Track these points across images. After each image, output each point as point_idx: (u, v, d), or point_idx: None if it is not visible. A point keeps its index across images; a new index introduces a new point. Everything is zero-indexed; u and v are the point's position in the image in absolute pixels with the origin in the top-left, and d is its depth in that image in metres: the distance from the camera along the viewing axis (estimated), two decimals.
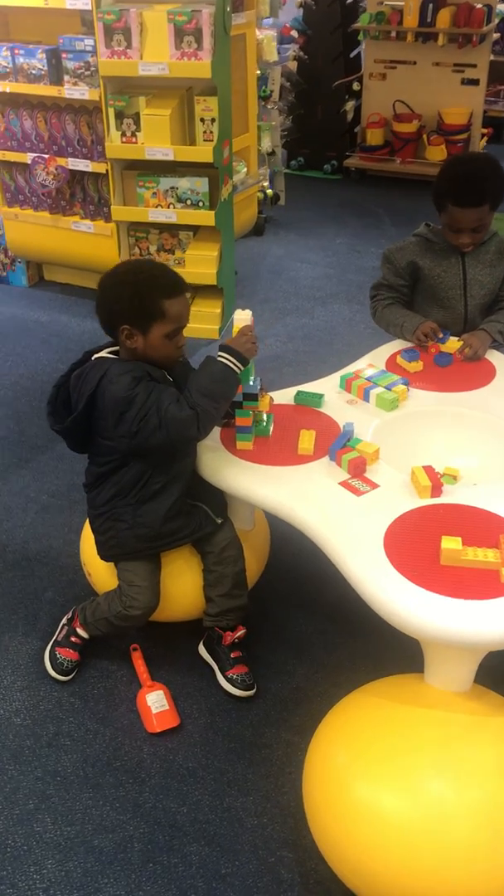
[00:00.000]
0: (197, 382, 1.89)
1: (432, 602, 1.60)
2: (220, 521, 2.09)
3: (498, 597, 1.61)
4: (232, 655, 2.13)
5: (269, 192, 5.51)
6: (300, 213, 5.86)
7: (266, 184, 5.47)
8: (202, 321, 4.02)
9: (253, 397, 2.01)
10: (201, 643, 2.20)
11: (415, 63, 6.34)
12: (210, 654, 2.17)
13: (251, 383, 2.00)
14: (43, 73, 3.84)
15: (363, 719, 1.75)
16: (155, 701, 2.06)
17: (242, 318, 1.94)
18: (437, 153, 6.24)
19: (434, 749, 1.63)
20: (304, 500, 1.90)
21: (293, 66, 6.61)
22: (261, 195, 5.43)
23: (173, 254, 4.03)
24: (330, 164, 6.79)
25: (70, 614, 2.23)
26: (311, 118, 6.69)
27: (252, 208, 4.77)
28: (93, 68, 3.69)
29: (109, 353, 2.00)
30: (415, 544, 1.73)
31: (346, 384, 2.33)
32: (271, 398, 2.17)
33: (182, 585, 2.16)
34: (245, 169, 4.41)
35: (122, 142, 3.70)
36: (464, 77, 6.27)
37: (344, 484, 1.94)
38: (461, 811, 1.55)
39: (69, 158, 3.97)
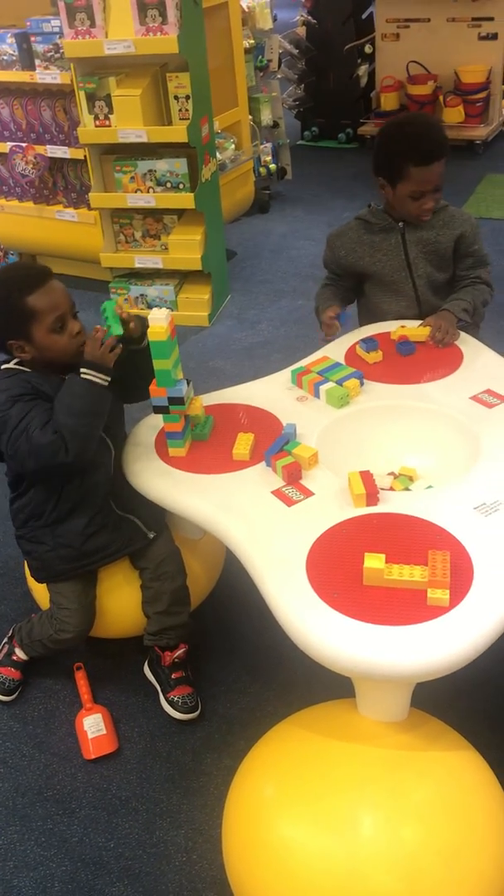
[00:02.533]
0: (59, 402, 1.75)
1: (349, 629, 1.44)
2: (152, 535, 1.96)
3: (422, 621, 1.45)
4: (173, 676, 2.00)
5: (273, 166, 5.30)
6: (309, 187, 5.64)
7: (269, 158, 5.27)
8: (190, 308, 3.88)
9: (178, 401, 1.86)
10: (146, 663, 2.08)
11: (429, 20, 6.04)
12: (153, 675, 2.05)
13: (177, 386, 1.85)
14: (14, 58, 3.72)
15: (290, 752, 1.61)
16: (92, 725, 1.96)
17: (157, 317, 1.79)
18: (454, 115, 5.93)
19: (359, 787, 1.48)
20: (231, 511, 1.76)
21: (301, 31, 6.35)
22: (264, 170, 5.23)
23: (159, 239, 3.89)
24: (345, 132, 6.53)
25: (10, 632, 2.14)
26: (323, 85, 6.43)
27: (248, 186, 4.58)
28: (62, 50, 3.54)
29: (13, 364, 1.88)
30: (339, 561, 1.57)
31: (297, 379, 2.17)
32: (202, 401, 2.02)
33: (121, 601, 2.04)
34: (234, 145, 4.23)
35: (96, 125, 3.56)
36: (481, 32, 5.94)
37: (276, 493, 1.79)
38: (380, 858, 1.41)
39: (47, 146, 3.85)
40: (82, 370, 1.73)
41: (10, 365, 1.84)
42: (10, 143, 3.91)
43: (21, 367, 1.84)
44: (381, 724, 1.57)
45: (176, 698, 1.98)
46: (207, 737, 1.96)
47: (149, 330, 1.79)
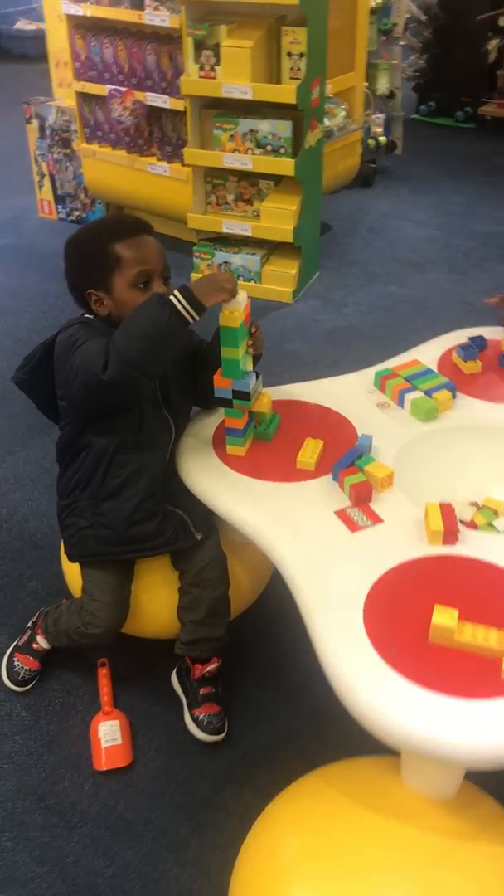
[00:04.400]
0: (127, 316, 1.56)
1: (405, 693, 1.23)
2: (199, 537, 1.77)
3: (495, 697, 1.23)
4: (201, 691, 1.83)
5: (383, 139, 4.99)
6: (419, 164, 5.31)
7: (380, 130, 4.96)
8: (275, 282, 3.65)
9: (244, 395, 1.65)
10: (175, 671, 1.90)
11: None
12: (181, 686, 1.87)
13: (244, 378, 1.65)
14: None
15: (317, 813, 1.41)
16: (107, 733, 1.80)
17: (241, 297, 1.58)
18: None
19: (392, 874, 1.28)
20: (285, 527, 1.55)
21: None
22: (372, 143, 4.93)
23: (251, 204, 3.66)
24: (463, 110, 6.14)
25: (35, 617, 1.99)
26: (447, 58, 6.03)
27: (354, 157, 4.30)
28: None
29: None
30: (403, 609, 1.36)
31: (381, 382, 1.94)
32: (269, 396, 1.80)
33: (157, 600, 1.86)
34: (344, 112, 3.95)
35: (200, 76, 3.33)
36: None
37: (340, 513, 1.57)
38: None
39: (147, 93, 3.63)
40: (174, 292, 1.52)
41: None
42: (109, 86, 3.71)
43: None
44: (426, 801, 1.36)
45: (202, 716, 1.80)
46: (230, 765, 1.77)
47: (221, 313, 1.58)
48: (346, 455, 1.68)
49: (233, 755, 1.79)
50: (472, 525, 1.65)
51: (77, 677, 1.97)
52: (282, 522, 1.56)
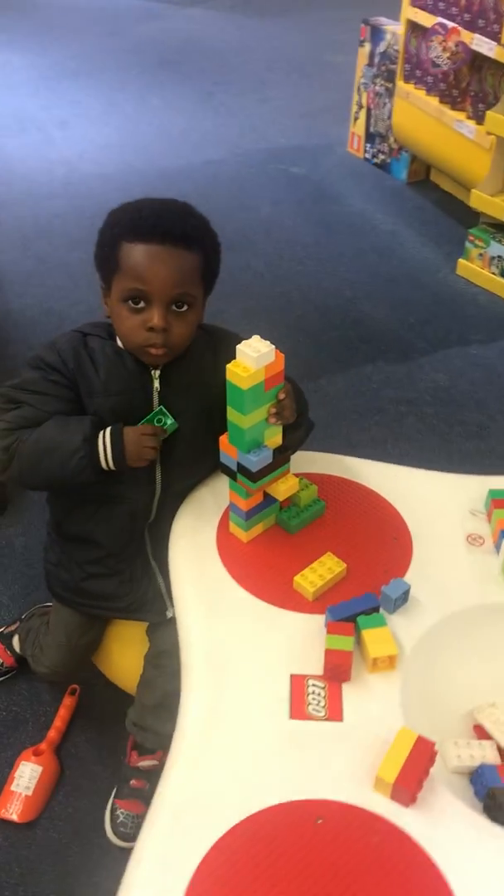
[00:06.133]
0: (52, 424, 1.28)
1: None
2: (170, 615, 1.42)
3: None
4: (132, 783, 1.51)
5: None
6: None
7: None
8: None
9: (249, 475, 1.23)
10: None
11: None
12: (122, 765, 1.57)
13: (250, 454, 1.21)
14: None
15: None
16: (23, 777, 1.55)
17: (247, 352, 1.14)
18: None
19: None
20: (212, 673, 1.15)
21: None
22: None
23: None
24: None
25: (31, 611, 1.77)
26: None
27: None
28: None
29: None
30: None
31: (490, 505, 1.38)
32: (303, 485, 1.35)
33: (130, 655, 1.54)
34: None
35: None
36: None
37: (296, 683, 1.13)
38: None
39: (475, 34, 3.01)
40: (107, 436, 1.26)
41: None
42: (438, 19, 3.14)
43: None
44: None
45: (120, 812, 1.49)
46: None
47: (228, 366, 1.16)
48: (354, 600, 1.20)
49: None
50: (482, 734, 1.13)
51: (46, 693, 1.74)
52: (215, 662, 1.16)
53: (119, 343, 1.31)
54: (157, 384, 1.32)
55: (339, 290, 3.12)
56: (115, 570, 1.42)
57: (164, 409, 1.29)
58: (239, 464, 1.24)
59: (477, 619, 1.24)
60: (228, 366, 1.15)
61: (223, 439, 1.25)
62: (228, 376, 1.16)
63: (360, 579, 1.26)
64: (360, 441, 2.43)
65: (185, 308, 1.26)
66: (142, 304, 1.23)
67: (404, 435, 2.46)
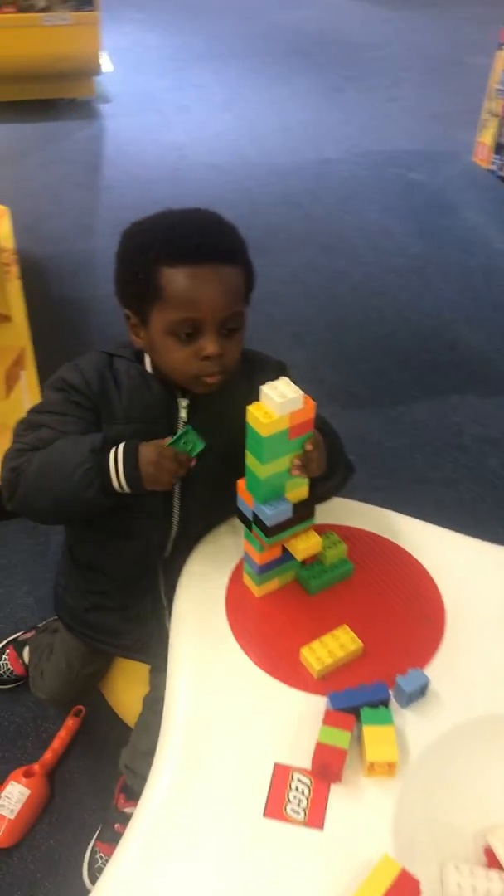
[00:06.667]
0: (64, 444, 1.15)
1: None
2: None
3: None
4: (115, 826, 1.41)
5: None
6: None
7: None
8: None
9: (264, 528, 1.10)
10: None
11: None
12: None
13: (266, 507, 1.08)
14: None
15: None
16: (10, 797, 1.48)
17: (271, 395, 1.00)
18: None
19: None
20: (194, 751, 1.03)
21: None
22: None
23: None
24: None
25: (46, 622, 1.69)
26: None
27: None
28: None
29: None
30: None
31: None
32: (331, 541, 1.20)
33: (135, 696, 1.45)
34: None
35: None
36: None
37: (278, 774, 0.99)
38: None
39: None
40: (119, 451, 1.11)
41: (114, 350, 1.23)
42: None
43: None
44: None
45: (100, 857, 1.40)
46: None
47: (249, 408, 1.02)
48: (362, 688, 1.05)
49: None
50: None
51: (50, 710, 1.67)
52: (195, 736, 1.04)
53: (147, 366, 1.20)
54: (183, 414, 1.20)
55: (437, 310, 2.93)
56: (122, 604, 1.32)
57: (192, 430, 1.13)
58: (255, 514, 1.11)
59: (502, 729, 1.07)
60: (249, 408, 1.02)
61: (241, 483, 1.12)
62: (248, 419, 1.03)
63: (376, 660, 1.11)
64: (432, 478, 2.26)
65: (234, 330, 1.14)
66: (187, 335, 1.11)
67: (482, 479, 2.27)
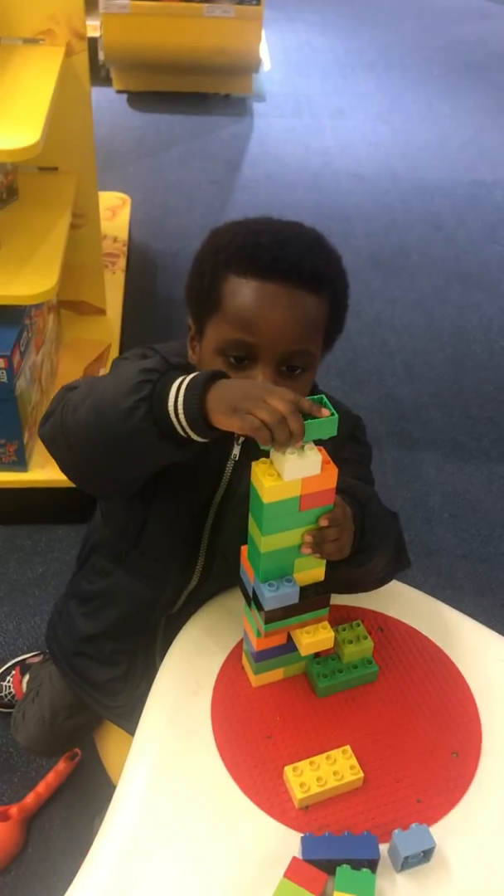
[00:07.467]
0: (111, 373, 0.94)
1: None
2: None
3: None
4: None
5: None
6: None
7: None
8: None
9: (262, 611, 0.89)
10: None
11: None
12: None
13: (264, 588, 0.87)
14: None
15: None
16: None
17: (290, 449, 0.79)
18: None
19: None
20: (130, 871, 0.84)
21: None
22: None
23: None
24: None
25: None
26: None
27: None
28: None
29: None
30: None
31: None
32: (354, 634, 0.98)
33: (124, 750, 1.28)
34: None
35: None
36: None
37: None
38: None
39: None
40: (188, 378, 0.83)
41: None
42: None
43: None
44: None
45: None
46: None
47: (254, 464, 0.82)
48: (348, 837, 0.83)
49: None
50: None
51: None
52: (136, 851, 0.85)
53: None
54: (236, 452, 1.00)
55: None
56: (110, 660, 1.14)
57: (327, 401, 0.82)
58: (254, 590, 0.90)
59: None
60: (254, 463, 0.82)
61: (244, 550, 0.92)
62: (252, 476, 0.82)
63: (376, 800, 0.88)
64: None
65: (298, 371, 0.94)
66: (242, 359, 0.92)
67: None
